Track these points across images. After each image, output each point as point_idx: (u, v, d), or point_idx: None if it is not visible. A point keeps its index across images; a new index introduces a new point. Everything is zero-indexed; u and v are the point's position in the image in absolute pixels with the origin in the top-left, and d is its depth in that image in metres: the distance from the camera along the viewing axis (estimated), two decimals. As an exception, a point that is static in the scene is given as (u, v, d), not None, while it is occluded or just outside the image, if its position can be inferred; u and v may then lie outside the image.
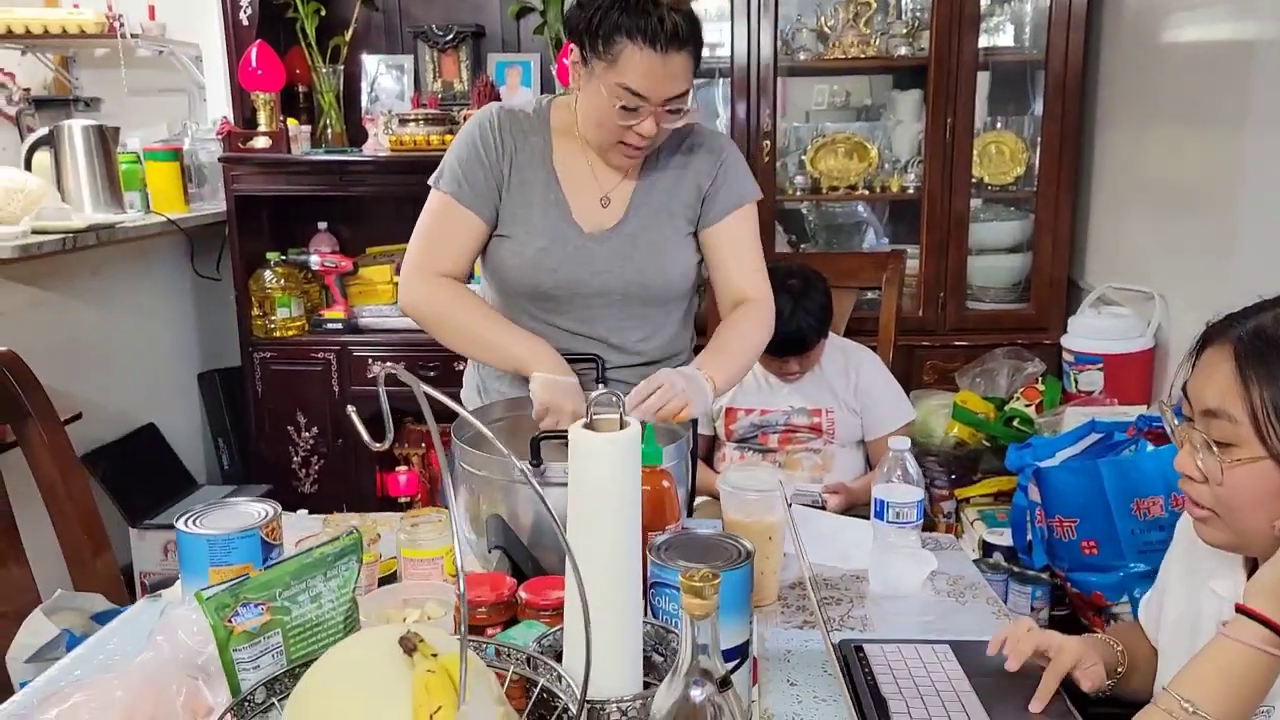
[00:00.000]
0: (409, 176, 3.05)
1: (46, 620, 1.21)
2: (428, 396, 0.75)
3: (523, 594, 1.07)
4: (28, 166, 2.57)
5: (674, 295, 1.63)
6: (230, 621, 0.82)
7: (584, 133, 1.53)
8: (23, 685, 1.19)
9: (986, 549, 2.17)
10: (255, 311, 3.02)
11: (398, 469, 3.15)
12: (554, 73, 3.04)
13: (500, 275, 1.58)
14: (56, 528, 1.42)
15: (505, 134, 1.55)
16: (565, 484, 1.25)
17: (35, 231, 2.26)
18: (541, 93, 3.17)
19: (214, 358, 3.24)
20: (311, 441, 3.08)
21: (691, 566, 0.74)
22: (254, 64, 2.85)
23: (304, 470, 3.11)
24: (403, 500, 3.20)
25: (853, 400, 2.17)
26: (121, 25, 3.11)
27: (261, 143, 2.90)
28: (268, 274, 3.02)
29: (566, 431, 1.33)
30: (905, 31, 2.94)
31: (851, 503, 2.06)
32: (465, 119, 2.98)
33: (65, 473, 1.41)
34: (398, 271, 3.19)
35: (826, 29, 2.99)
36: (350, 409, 0.86)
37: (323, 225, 3.23)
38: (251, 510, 1.13)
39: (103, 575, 1.43)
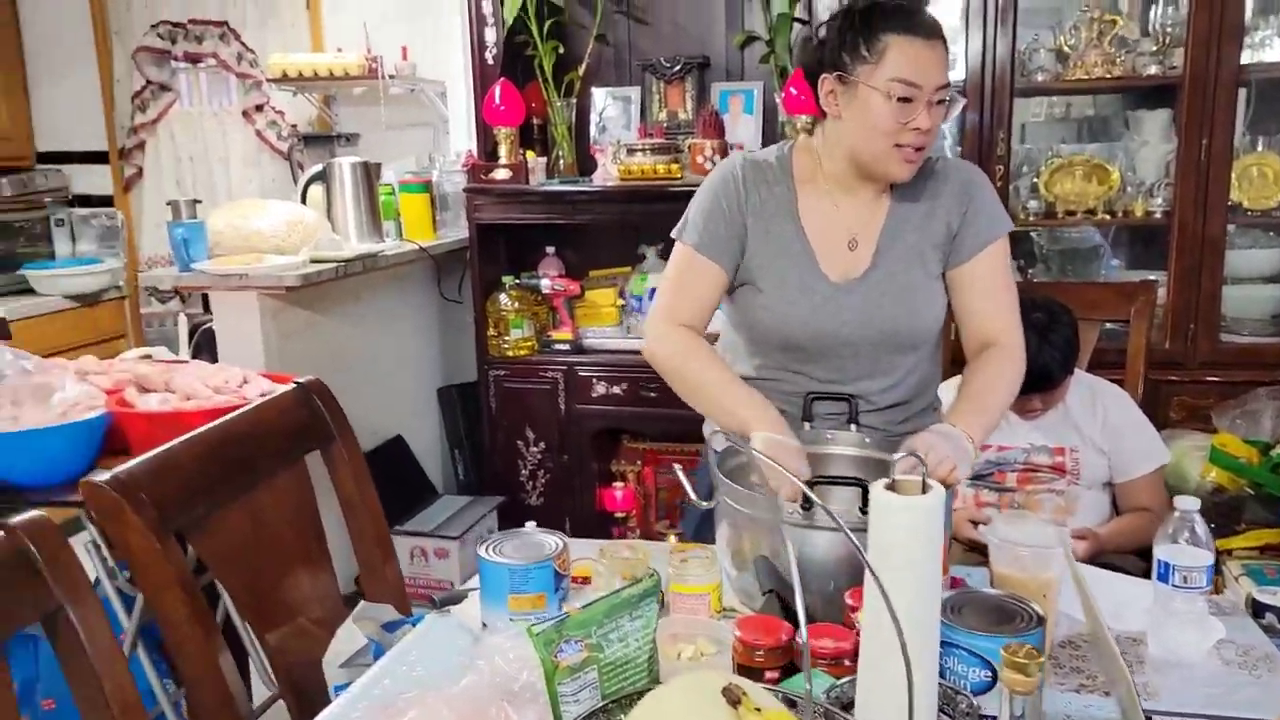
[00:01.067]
0: (634, 205, 3.17)
1: (356, 629, 1.35)
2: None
3: (799, 639, 1.10)
4: (303, 200, 2.85)
5: (924, 340, 1.61)
6: (556, 656, 0.89)
7: (855, 153, 1.51)
8: (337, 688, 1.33)
9: (1257, 608, 2.01)
10: (491, 332, 3.22)
11: (614, 484, 3.26)
12: (777, 101, 3.07)
13: (750, 326, 1.61)
14: (354, 540, 1.57)
15: (749, 186, 1.58)
16: (833, 529, 1.28)
17: (313, 261, 2.51)
18: (763, 119, 3.21)
19: (452, 374, 3.47)
20: (539, 456, 3.24)
21: (1011, 640, 0.75)
22: (497, 101, 3.03)
23: (531, 483, 3.27)
24: (619, 515, 3.32)
25: (1100, 440, 2.07)
26: (379, 66, 3.39)
27: (502, 174, 3.08)
28: (503, 297, 3.21)
29: (839, 478, 1.36)
30: (1155, 49, 2.78)
31: (1099, 550, 1.97)
32: (690, 148, 3.06)
33: (362, 489, 1.57)
34: (620, 295, 3.32)
35: (1066, 48, 2.87)
36: (677, 467, 0.91)
37: (550, 249, 3.40)
38: (544, 541, 1.22)
39: (391, 584, 1.57)
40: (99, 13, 3.78)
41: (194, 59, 3.74)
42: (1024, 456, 2.10)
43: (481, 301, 3.22)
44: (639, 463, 3.40)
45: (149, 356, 2.63)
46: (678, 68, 3.24)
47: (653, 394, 3.11)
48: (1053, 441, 2.09)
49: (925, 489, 0.88)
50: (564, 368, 3.18)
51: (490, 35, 3.10)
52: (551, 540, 1.22)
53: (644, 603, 0.97)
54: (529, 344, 3.24)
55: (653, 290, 3.22)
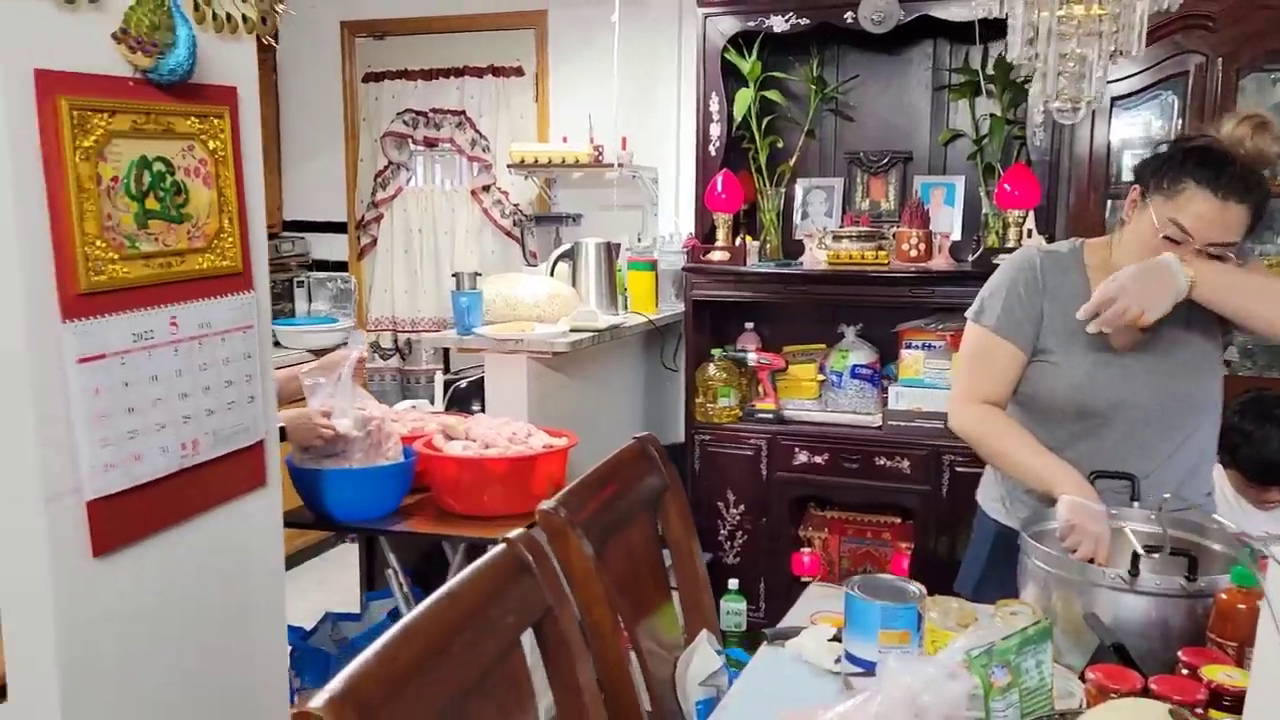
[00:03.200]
0: (838, 287, 3.40)
1: (712, 652, 1.57)
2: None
3: (1154, 686, 1.27)
4: (551, 273, 3.17)
5: (1205, 402, 1.77)
6: (990, 677, 1.09)
7: (1121, 258, 1.69)
8: (699, 704, 1.55)
9: None
10: (699, 399, 3.47)
11: (802, 550, 3.44)
12: (980, 194, 3.28)
13: (1044, 397, 1.77)
14: (678, 576, 1.80)
15: (1045, 273, 1.78)
16: (1156, 594, 1.44)
17: (573, 330, 2.80)
18: (963, 211, 3.42)
19: (659, 436, 3.72)
20: (738, 518, 3.45)
21: None
22: (719, 189, 3.33)
23: (729, 543, 3.48)
24: (804, 580, 3.48)
25: (1336, 532, 2.17)
26: (601, 154, 3.74)
27: (720, 256, 3.36)
28: (711, 367, 3.46)
29: (1151, 548, 1.52)
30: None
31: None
32: (895, 236, 3.29)
33: (688, 531, 1.81)
34: (820, 370, 3.53)
35: None
36: (1129, 532, 1.09)
37: (749, 325, 3.65)
38: (905, 587, 1.42)
39: (708, 615, 1.79)
40: (351, 104, 4.28)
41: (431, 143, 4.18)
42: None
43: (692, 371, 3.48)
44: (826, 530, 3.56)
45: (414, 408, 2.96)
46: (883, 161, 3.50)
47: (853, 465, 3.30)
48: (1286, 530, 2.20)
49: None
50: (767, 436, 3.39)
51: (715, 130, 3.41)
52: (911, 587, 1.43)
53: (1042, 641, 1.17)
54: (734, 412, 3.47)
55: (854, 367, 3.44)
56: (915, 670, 1.23)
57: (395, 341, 4.30)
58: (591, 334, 2.83)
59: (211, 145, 1.65)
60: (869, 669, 1.39)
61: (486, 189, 4.10)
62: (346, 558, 2.81)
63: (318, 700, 0.88)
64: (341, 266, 4.35)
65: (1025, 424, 1.82)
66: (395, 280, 4.30)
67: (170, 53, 1.50)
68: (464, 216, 4.16)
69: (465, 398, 3.17)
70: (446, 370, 3.52)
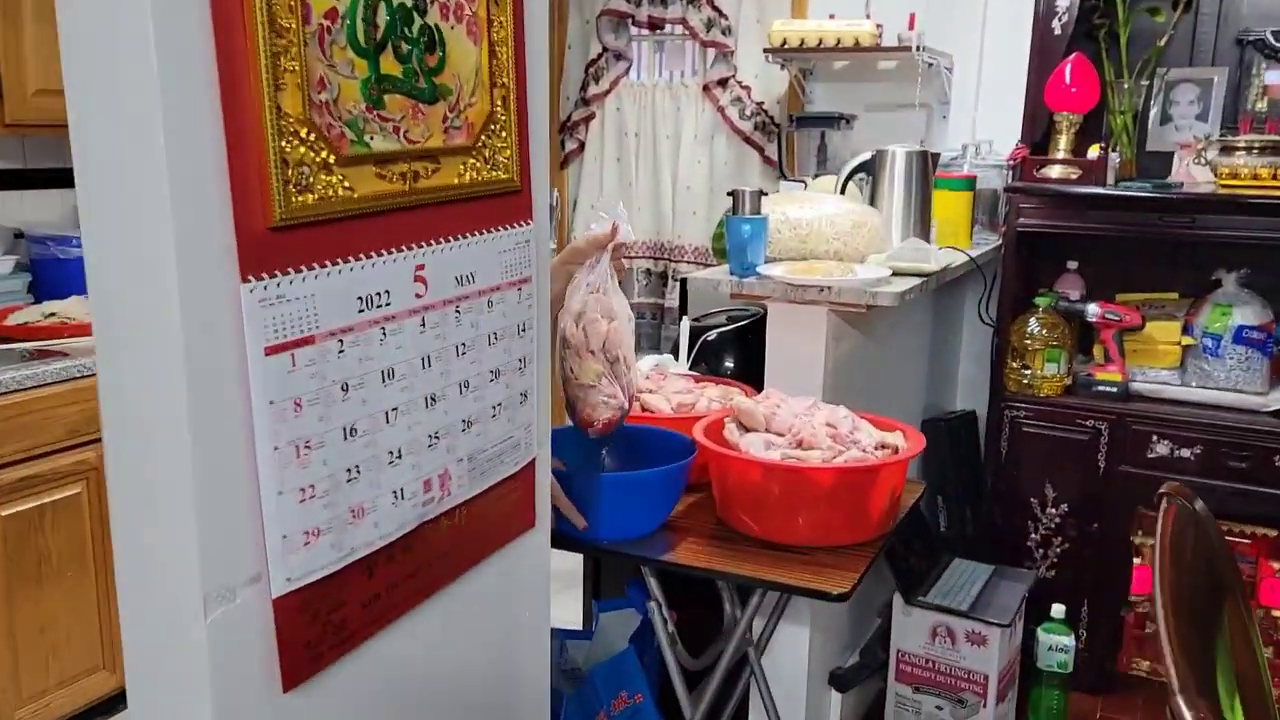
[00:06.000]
0: (1221, 218, 2.48)
1: None
2: None
3: None
4: (842, 191, 2.39)
5: None
6: None
7: None
8: None
9: None
10: (1013, 362, 2.65)
11: (1134, 561, 2.65)
12: None
13: None
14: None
15: None
16: None
17: (896, 274, 2.03)
18: None
19: (935, 404, 2.92)
20: (1057, 520, 2.65)
21: None
22: (1067, 80, 2.45)
23: (1041, 550, 2.68)
24: (1133, 599, 2.70)
25: None
26: (882, 35, 2.88)
27: (1059, 171, 2.49)
28: (1033, 322, 2.62)
29: None
30: None
31: None
32: (1321, 148, 2.34)
33: (1248, 658, 1.03)
34: (1186, 331, 2.63)
35: None
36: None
37: (1072, 265, 2.77)
38: None
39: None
40: (558, -28, 3.51)
41: (655, 25, 3.39)
42: None
43: (1007, 325, 2.65)
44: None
45: (658, 368, 2.26)
46: (1300, 45, 2.51)
47: (1244, 464, 2.43)
48: None
49: None
50: (1110, 417, 2.55)
51: (1063, 1, 2.50)
52: None
53: None
54: (1061, 381, 2.63)
55: (1238, 329, 2.53)
56: None
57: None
58: (919, 280, 2.04)
59: (484, -40, 0.93)
60: None
61: (723, 83, 3.28)
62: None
63: None
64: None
65: None
66: (605, 194, 3.57)
67: None
68: (691, 117, 3.37)
69: (715, 352, 2.45)
70: (683, 310, 2.79)
